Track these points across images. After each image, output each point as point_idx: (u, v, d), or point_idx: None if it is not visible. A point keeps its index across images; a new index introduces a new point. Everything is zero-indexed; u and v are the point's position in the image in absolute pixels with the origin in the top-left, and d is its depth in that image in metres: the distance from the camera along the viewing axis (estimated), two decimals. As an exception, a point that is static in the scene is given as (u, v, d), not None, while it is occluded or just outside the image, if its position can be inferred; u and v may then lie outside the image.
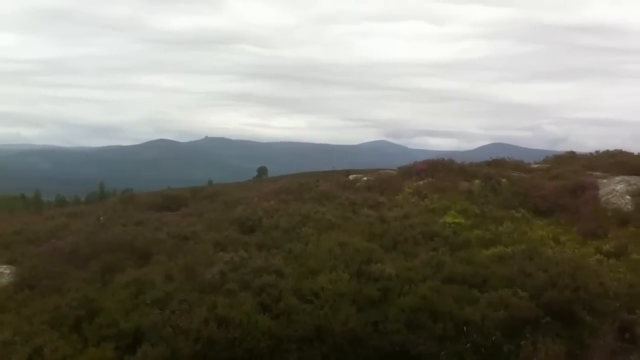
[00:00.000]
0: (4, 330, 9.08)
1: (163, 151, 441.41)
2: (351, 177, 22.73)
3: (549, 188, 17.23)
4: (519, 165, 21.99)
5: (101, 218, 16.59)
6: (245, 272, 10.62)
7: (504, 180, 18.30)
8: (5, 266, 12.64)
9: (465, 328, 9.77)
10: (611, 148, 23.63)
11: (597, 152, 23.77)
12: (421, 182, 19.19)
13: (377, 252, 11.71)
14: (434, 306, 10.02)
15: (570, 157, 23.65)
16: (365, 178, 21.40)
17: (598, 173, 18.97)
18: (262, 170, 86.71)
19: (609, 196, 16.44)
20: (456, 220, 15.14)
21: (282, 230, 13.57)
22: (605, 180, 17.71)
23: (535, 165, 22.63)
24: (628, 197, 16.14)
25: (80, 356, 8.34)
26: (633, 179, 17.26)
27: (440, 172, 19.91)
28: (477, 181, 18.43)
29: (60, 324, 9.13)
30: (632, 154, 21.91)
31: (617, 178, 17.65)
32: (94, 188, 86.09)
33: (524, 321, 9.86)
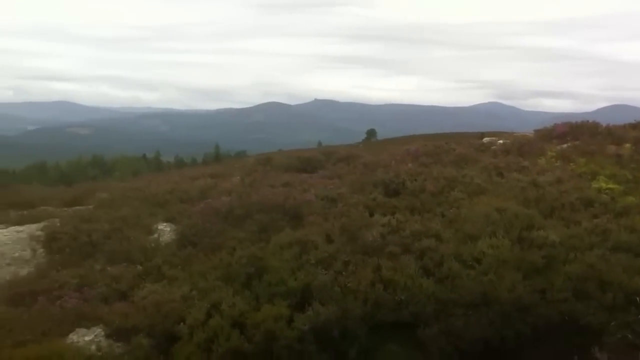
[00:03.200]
0: (182, 285, 9.49)
1: (273, 114, 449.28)
2: (485, 139, 22.11)
3: None
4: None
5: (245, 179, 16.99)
6: (405, 235, 10.57)
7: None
8: (165, 224, 13.21)
9: (637, 298, 9.31)
10: None
11: None
12: (564, 146, 18.34)
13: (536, 218, 11.31)
14: (602, 275, 9.57)
15: None
16: (500, 141, 20.73)
17: None
18: (371, 133, 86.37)
19: None
20: (609, 186, 14.37)
21: (429, 194, 13.37)
22: None
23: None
24: None
25: (256, 312, 8.57)
26: None
27: (583, 135, 18.99)
28: (627, 145, 17.38)
29: (233, 281, 9.43)
30: None
31: None
32: (209, 149, 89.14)
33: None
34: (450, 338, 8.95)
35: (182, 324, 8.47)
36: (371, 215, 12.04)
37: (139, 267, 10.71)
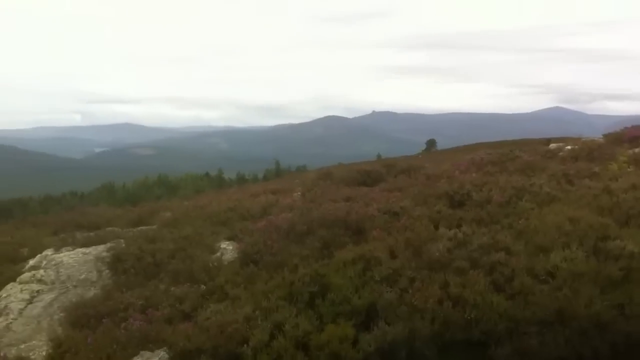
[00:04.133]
0: (244, 305, 9.36)
1: (331, 127, 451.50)
2: (552, 146, 21.38)
3: None
4: None
5: (301, 193, 16.84)
6: (472, 249, 10.16)
7: None
8: (227, 242, 13.19)
9: None
10: None
11: None
12: (636, 150, 17.51)
13: (612, 228, 10.71)
14: (689, 290, 8.95)
15: None
16: (568, 147, 19.99)
17: None
18: (431, 143, 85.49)
19: None
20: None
21: (496, 204, 12.90)
22: None
23: None
24: None
25: (320, 333, 8.34)
26: None
27: (658, 138, 18.15)
28: None
29: (296, 300, 9.23)
30: None
31: None
32: (269, 165, 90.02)
33: None
34: (524, 358, 8.47)
35: (245, 345, 8.31)
36: (436, 228, 11.67)
37: (203, 287, 10.68)
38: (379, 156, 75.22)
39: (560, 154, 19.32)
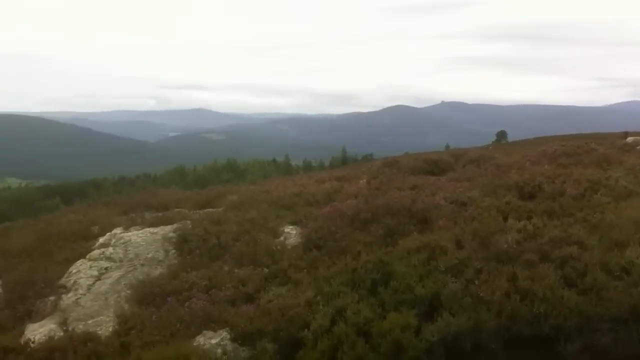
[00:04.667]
0: (306, 290, 9.32)
1: (399, 117, 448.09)
2: (629, 139, 20.49)
3: None
4: None
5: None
6: (543, 241, 9.79)
7: None
8: (291, 227, 13.19)
9: None
10: None
11: None
12: None
13: (693, 224, 10.13)
14: None
15: None
16: (648, 140, 19.11)
17: None
18: (501, 134, 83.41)
19: None
20: None
21: (569, 197, 12.40)
22: None
23: None
24: None
25: (382, 320, 8.20)
26: None
27: None
28: None
29: (358, 287, 9.12)
30: None
31: None
32: (335, 153, 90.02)
33: None
34: (595, 355, 8.09)
35: (306, 330, 8.26)
36: (505, 219, 11.32)
37: (266, 270, 10.71)
38: (447, 147, 74.02)
39: (638, 147, 18.48)
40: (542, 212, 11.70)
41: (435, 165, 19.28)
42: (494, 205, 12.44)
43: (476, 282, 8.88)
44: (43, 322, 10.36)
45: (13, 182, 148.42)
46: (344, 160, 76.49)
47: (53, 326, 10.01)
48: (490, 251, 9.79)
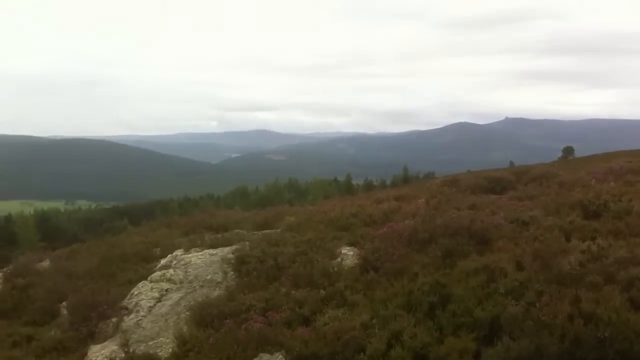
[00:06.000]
0: (362, 312, 9.23)
1: (460, 134, 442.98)
2: None
3: None
4: None
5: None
6: (608, 262, 9.41)
7: None
8: (348, 248, 13.14)
9: None
10: None
11: None
12: None
13: None
14: None
15: None
16: None
17: None
18: (567, 150, 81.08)
19: None
20: None
21: (636, 216, 11.92)
22: None
23: None
24: None
25: (440, 345, 8.03)
26: None
27: None
28: None
29: (415, 310, 8.97)
30: None
31: None
32: (396, 171, 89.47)
33: None
34: (664, 382, 7.72)
35: (362, 354, 8.16)
36: (568, 240, 10.96)
37: (322, 292, 10.66)
38: (511, 163, 72.52)
39: None
40: (607, 232, 11.29)
41: (496, 183, 18.90)
42: (557, 224, 12.08)
43: (537, 305, 8.60)
44: (105, 343, 10.62)
45: (83, 204, 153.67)
46: (406, 179, 75.87)
47: (115, 347, 10.24)
48: (552, 273, 9.47)
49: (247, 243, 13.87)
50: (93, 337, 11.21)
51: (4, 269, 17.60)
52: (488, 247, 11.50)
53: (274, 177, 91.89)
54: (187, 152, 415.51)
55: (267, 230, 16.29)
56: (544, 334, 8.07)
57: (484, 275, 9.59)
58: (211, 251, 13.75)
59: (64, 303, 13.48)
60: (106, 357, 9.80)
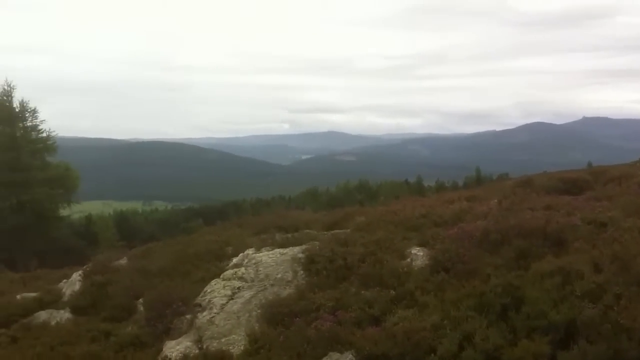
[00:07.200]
0: (432, 313, 9.14)
1: (536, 134, 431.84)
2: None
3: None
4: None
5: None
6: (692, 266, 8.98)
7: None
8: (418, 248, 13.01)
9: None
10: None
11: None
12: None
13: None
14: None
15: None
16: None
17: None
18: (649, 150, 77.81)
19: None
20: None
21: None
22: None
23: None
24: None
25: (513, 347, 7.86)
26: None
27: None
28: None
29: (487, 311, 8.81)
30: None
31: None
32: (469, 172, 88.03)
33: None
34: None
35: (432, 354, 8.10)
36: (649, 241, 10.51)
37: (392, 292, 10.63)
38: (589, 164, 70.15)
39: None
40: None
41: (572, 184, 18.29)
42: (637, 226, 11.58)
43: (616, 308, 8.29)
44: (180, 339, 10.91)
45: (160, 204, 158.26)
46: (478, 180, 74.48)
47: (189, 344, 10.51)
48: (631, 275, 9.10)
49: (316, 243, 13.94)
50: (168, 333, 11.55)
51: (84, 267, 18.33)
52: (564, 249, 11.14)
53: (345, 179, 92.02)
54: (259, 154, 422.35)
55: (337, 231, 16.33)
56: (622, 338, 7.80)
57: (559, 277, 9.31)
58: (281, 250, 13.89)
59: (140, 300, 13.94)
60: (181, 353, 10.07)
